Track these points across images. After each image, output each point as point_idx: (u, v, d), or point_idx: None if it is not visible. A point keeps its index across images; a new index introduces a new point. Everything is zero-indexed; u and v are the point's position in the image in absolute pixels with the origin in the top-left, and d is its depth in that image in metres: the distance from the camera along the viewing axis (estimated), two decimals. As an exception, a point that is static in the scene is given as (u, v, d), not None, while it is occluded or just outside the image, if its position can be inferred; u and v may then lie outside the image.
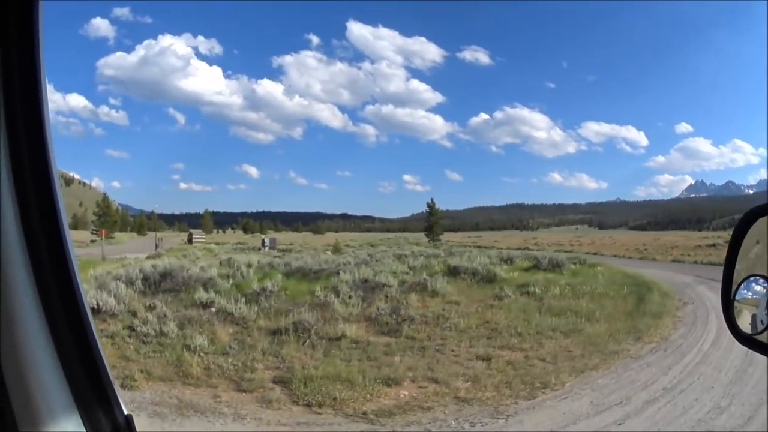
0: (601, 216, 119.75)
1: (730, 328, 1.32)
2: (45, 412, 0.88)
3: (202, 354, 7.84)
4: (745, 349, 1.33)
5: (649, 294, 12.54)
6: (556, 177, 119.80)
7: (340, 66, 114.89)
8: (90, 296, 9.73)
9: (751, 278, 1.31)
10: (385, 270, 14.05)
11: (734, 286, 1.32)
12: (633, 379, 6.83)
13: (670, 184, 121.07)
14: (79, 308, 0.96)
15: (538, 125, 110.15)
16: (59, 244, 0.92)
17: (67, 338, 0.93)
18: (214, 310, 10.02)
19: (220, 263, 16.35)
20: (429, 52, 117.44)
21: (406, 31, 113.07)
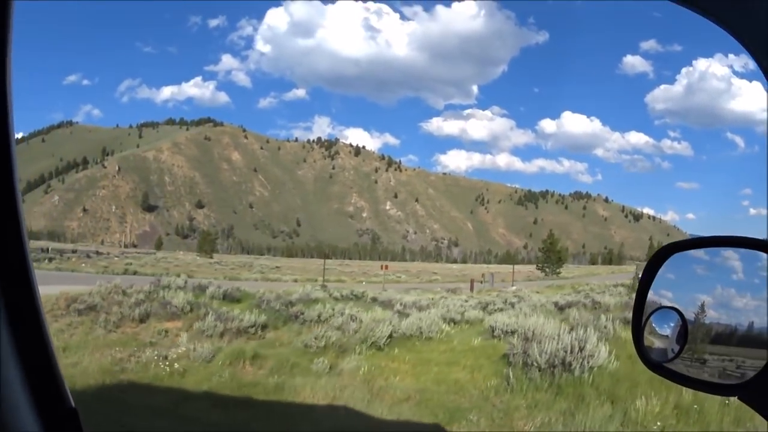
0: None
1: (640, 357, 1.39)
2: None
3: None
4: None
5: None
6: None
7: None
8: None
9: (662, 310, 1.38)
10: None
11: (644, 318, 1.39)
12: None
13: None
14: (33, 300, 0.99)
15: None
16: (18, 247, 0.98)
17: (18, 331, 0.95)
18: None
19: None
20: None
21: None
